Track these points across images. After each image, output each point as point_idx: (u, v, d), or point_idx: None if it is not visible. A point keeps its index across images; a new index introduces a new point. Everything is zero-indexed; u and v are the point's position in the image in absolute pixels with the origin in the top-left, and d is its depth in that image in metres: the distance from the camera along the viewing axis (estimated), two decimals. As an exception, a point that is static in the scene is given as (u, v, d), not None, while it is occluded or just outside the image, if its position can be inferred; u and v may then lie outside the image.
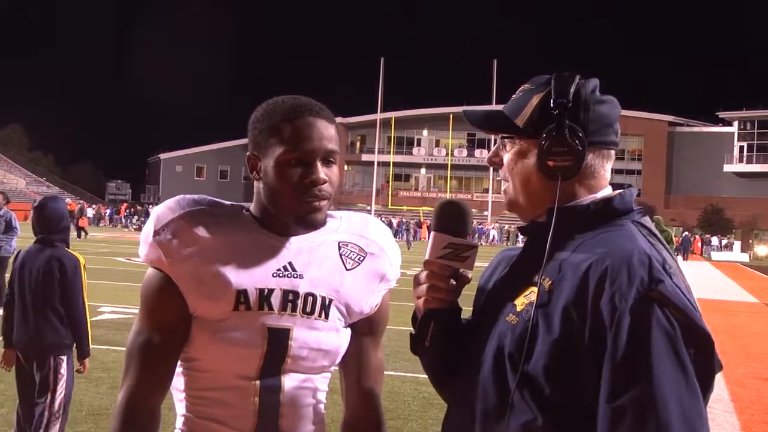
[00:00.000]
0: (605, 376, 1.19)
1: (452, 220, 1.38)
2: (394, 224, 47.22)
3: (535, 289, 1.30)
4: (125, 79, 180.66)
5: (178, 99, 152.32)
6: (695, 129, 66.33)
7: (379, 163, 61.36)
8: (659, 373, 1.16)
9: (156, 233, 1.51)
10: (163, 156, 71.11)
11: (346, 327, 1.61)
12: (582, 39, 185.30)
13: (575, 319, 1.22)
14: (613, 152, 1.40)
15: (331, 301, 1.57)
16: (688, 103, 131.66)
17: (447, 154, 67.60)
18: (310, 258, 1.57)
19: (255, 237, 1.54)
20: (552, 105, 1.34)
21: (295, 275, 1.54)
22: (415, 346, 1.41)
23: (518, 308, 1.32)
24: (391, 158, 65.66)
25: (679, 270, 1.29)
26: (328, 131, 1.53)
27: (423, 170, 70.68)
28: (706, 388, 1.20)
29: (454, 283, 1.38)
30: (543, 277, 1.30)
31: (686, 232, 45.85)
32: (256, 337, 1.50)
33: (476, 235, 50.54)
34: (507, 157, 1.41)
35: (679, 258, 39.46)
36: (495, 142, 1.49)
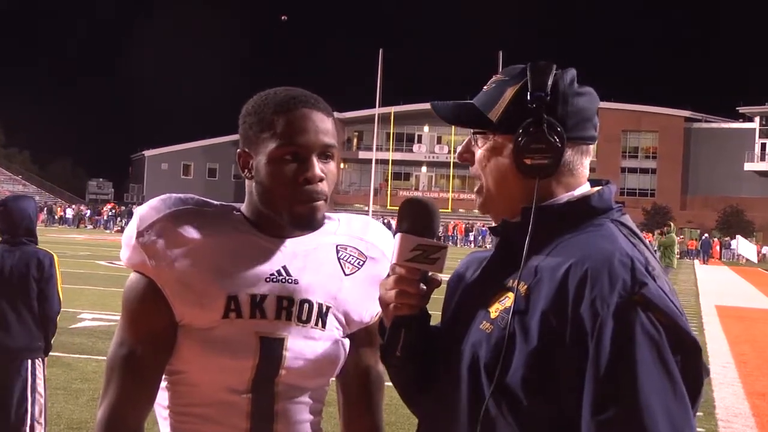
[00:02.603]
0: (588, 386, 1.18)
1: (419, 220, 1.36)
2: (393, 226, 47.23)
3: (510, 294, 1.29)
4: (108, 73, 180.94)
5: (163, 93, 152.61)
6: (714, 125, 66.38)
7: (377, 160, 61.25)
8: (645, 382, 1.15)
9: (140, 235, 1.48)
10: (147, 153, 71.18)
11: (344, 337, 1.59)
12: (592, 30, 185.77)
13: (555, 327, 1.21)
14: (591, 147, 1.39)
15: (328, 308, 1.55)
16: (706, 97, 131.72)
17: (449, 152, 67.63)
18: (306, 262, 1.54)
19: (247, 239, 1.52)
20: (529, 98, 1.33)
21: (289, 280, 1.52)
22: (385, 356, 1.40)
23: (492, 315, 1.31)
24: (390, 156, 65.69)
25: (663, 272, 1.28)
26: (324, 124, 1.51)
27: (424, 168, 70.78)
28: (695, 396, 1.20)
29: (424, 287, 1.36)
30: (519, 281, 1.29)
31: (705, 235, 45.88)
32: (247, 347, 1.48)
33: (478, 238, 50.56)
34: (479, 153, 1.40)
35: (697, 262, 39.72)
36: None
